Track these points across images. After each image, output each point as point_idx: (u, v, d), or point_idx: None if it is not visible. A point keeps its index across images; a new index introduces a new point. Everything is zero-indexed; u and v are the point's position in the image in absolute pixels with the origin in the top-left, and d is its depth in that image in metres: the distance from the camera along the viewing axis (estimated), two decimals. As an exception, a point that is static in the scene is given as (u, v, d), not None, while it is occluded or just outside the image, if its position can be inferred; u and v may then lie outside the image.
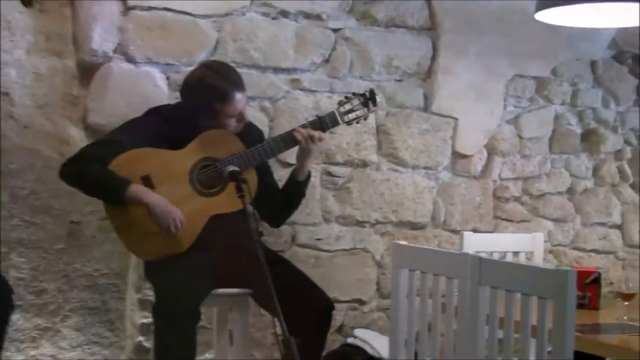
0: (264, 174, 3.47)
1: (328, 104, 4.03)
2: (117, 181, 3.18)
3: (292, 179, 3.53)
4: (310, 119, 3.80)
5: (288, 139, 3.39)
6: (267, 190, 3.46)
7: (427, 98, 4.26)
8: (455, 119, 4.31)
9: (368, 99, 3.50)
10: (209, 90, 3.28)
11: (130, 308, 3.81)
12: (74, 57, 3.70)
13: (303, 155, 3.45)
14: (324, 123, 3.42)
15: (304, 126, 3.43)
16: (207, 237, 3.29)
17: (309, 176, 3.54)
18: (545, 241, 4.38)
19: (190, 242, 3.27)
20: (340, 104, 3.48)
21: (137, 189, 3.18)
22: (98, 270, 3.78)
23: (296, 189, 3.54)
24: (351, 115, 3.48)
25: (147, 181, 3.24)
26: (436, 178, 4.32)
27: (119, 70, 3.70)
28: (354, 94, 3.51)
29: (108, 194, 3.23)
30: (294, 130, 3.41)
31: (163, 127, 3.33)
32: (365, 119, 3.53)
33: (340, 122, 3.44)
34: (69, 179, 3.30)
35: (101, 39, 3.65)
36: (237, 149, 3.30)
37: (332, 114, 3.44)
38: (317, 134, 3.40)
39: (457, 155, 4.34)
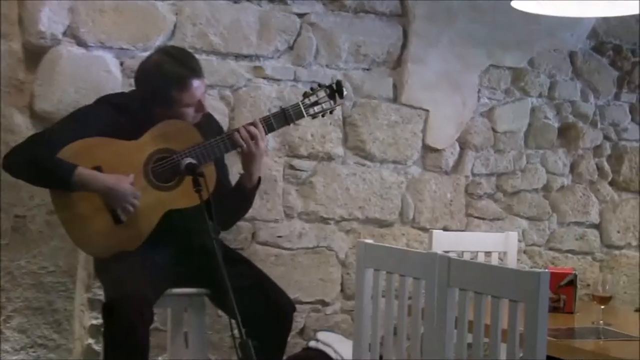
0: (219, 170, 3.45)
1: (292, 93, 4.03)
2: (64, 165, 3.16)
3: (239, 186, 3.48)
4: (273, 110, 3.80)
5: (234, 136, 3.36)
6: (218, 188, 3.42)
7: (397, 88, 4.27)
8: (426, 110, 4.32)
9: (335, 91, 3.49)
10: (165, 77, 3.26)
11: (79, 308, 3.79)
12: (20, 40, 3.66)
13: (246, 160, 3.40)
14: (288, 116, 3.41)
15: (266, 119, 3.41)
16: (162, 234, 3.28)
17: (258, 183, 3.47)
18: (520, 241, 4.42)
19: (143, 239, 3.26)
20: (305, 95, 3.47)
21: (86, 171, 3.16)
22: (44, 268, 3.76)
23: (243, 196, 3.49)
24: (316, 108, 3.48)
25: (98, 173, 3.23)
26: (405, 173, 4.34)
27: (69, 54, 3.67)
28: (319, 85, 3.51)
29: (54, 180, 3.19)
30: (235, 130, 3.38)
31: (116, 116, 3.30)
32: (331, 112, 3.53)
33: (305, 115, 3.44)
34: (13, 169, 3.26)
35: (49, 21, 3.62)
36: (195, 140, 3.29)
37: (296, 106, 3.44)
38: (258, 132, 3.34)
39: (427, 149, 4.36)
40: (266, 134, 3.40)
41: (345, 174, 4.21)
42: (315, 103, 3.47)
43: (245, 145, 3.32)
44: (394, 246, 3.74)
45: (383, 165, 4.28)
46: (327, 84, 3.51)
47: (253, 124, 3.37)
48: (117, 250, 3.24)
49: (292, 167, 4.12)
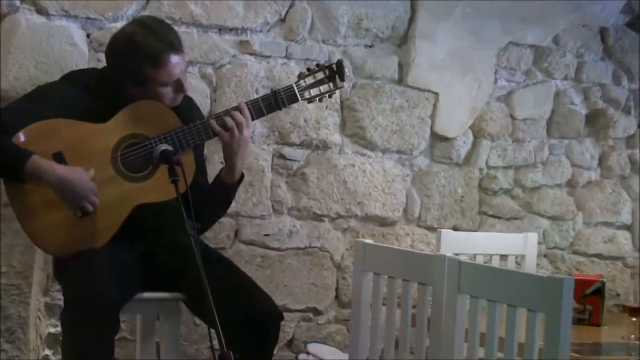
0: (197, 161, 3.41)
1: (283, 72, 4.02)
2: (16, 153, 3.13)
3: (219, 181, 3.43)
4: (262, 91, 3.79)
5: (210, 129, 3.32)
6: (194, 184, 3.36)
7: (403, 68, 4.28)
8: (435, 93, 4.33)
9: (335, 72, 3.46)
10: (137, 51, 3.24)
11: (34, 315, 3.78)
12: (-29, 5, 3.66)
13: (228, 150, 3.35)
14: (279, 99, 3.37)
15: (254, 102, 3.35)
16: (131, 230, 3.26)
17: (241, 178, 3.43)
18: (540, 243, 4.43)
19: (109, 235, 3.24)
20: (301, 76, 3.44)
21: (39, 162, 3.14)
22: (-4, 268, 3.75)
23: (222, 193, 3.44)
24: (313, 92, 3.45)
25: (58, 159, 3.20)
26: (411, 164, 4.34)
27: (27, 23, 3.65)
28: (317, 65, 3.48)
29: (4, 168, 3.18)
30: (217, 114, 3.33)
31: (84, 96, 3.28)
32: (330, 96, 3.50)
33: (299, 98, 3.42)
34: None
35: (5, -16, 3.64)
36: (172, 125, 3.27)
37: (289, 88, 3.40)
38: (243, 118, 3.29)
39: (436, 138, 4.37)
40: (253, 119, 3.35)
41: (342, 164, 4.21)
42: (312, 85, 3.44)
43: (228, 133, 3.30)
44: (396, 247, 3.74)
45: (386, 155, 4.29)
46: (326, 64, 3.49)
47: (238, 108, 3.34)
48: (79, 248, 3.21)
49: (282, 156, 4.12)
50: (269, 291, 3.45)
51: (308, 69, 3.45)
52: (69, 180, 3.13)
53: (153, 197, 3.24)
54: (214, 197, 3.42)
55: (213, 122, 3.29)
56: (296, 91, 3.38)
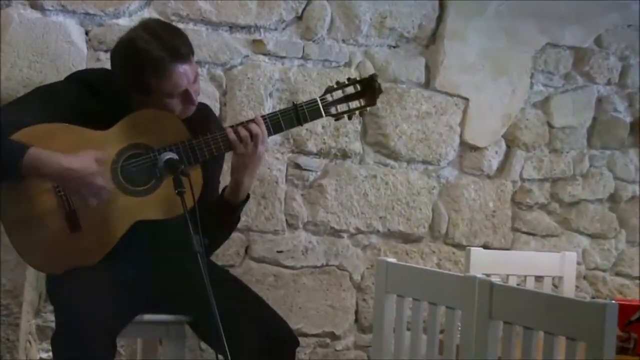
0: (210, 177, 3.37)
1: (299, 74, 4.02)
2: (14, 147, 3.09)
3: (221, 199, 3.38)
4: (276, 95, 3.78)
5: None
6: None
7: (430, 71, 4.27)
8: (465, 99, 4.32)
9: (367, 88, 3.43)
10: (139, 58, 3.22)
11: (25, 338, 3.76)
12: (-41, -1, 3.66)
13: (237, 164, 3.31)
14: (300, 114, 3.32)
15: (272, 116, 3.30)
16: (130, 246, 3.24)
17: (246, 199, 3.38)
18: (579, 263, 4.41)
19: (103, 253, 3.21)
20: (328, 90, 3.39)
21: (39, 151, 3.09)
22: (-17, 287, 3.74)
23: (227, 213, 3.39)
24: (340, 107, 3.40)
25: (54, 168, 3.20)
26: (438, 176, 4.33)
27: (21, 19, 3.65)
28: (348, 79, 3.43)
29: (2, 165, 3.15)
30: (231, 126, 3.28)
31: (86, 99, 3.27)
32: (360, 114, 3.46)
33: (324, 114, 3.38)
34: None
35: (-3, -24, 3.64)
36: (179, 136, 3.24)
37: (313, 102, 3.36)
38: (260, 131, 3.25)
39: (466, 147, 4.36)
40: (270, 135, 3.31)
41: (363, 175, 4.20)
42: (340, 101, 3.40)
43: (241, 144, 3.25)
44: (422, 267, 3.73)
45: (410, 165, 4.28)
46: (358, 78, 3.45)
47: (254, 121, 3.30)
48: (73, 265, 3.19)
49: (297, 166, 4.10)
50: (281, 313, 3.42)
51: (337, 83, 3.41)
52: (73, 167, 3.09)
53: (154, 214, 3.22)
54: (216, 219, 3.34)
55: (229, 130, 3.25)
56: (320, 106, 3.33)
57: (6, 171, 3.14)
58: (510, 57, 4.35)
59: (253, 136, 3.24)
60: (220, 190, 3.44)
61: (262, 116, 3.31)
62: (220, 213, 3.36)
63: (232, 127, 3.27)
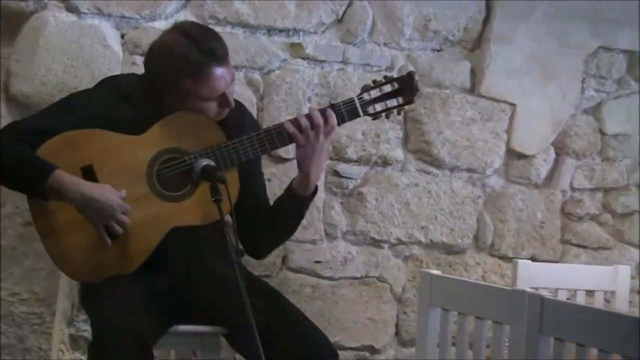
0: (249, 177, 3.42)
1: (339, 79, 4.04)
2: (40, 166, 3.16)
3: (289, 194, 3.42)
4: (315, 100, 3.80)
5: (285, 132, 3.31)
6: (249, 202, 3.40)
7: (475, 75, 4.28)
8: (513, 104, 4.31)
9: (405, 86, 3.45)
10: (176, 63, 3.24)
11: (57, 347, 3.80)
12: (-5, 1, 3.72)
13: (304, 157, 3.34)
14: (337, 114, 3.35)
15: (308, 114, 3.33)
16: (166, 255, 3.28)
17: (315, 191, 3.42)
18: (633, 277, 4.35)
19: (140, 261, 3.24)
20: (365, 89, 3.43)
21: (63, 177, 3.18)
22: (15, 295, 3.77)
23: (294, 208, 3.43)
24: (378, 106, 3.41)
25: (88, 173, 3.24)
26: (483, 185, 4.34)
27: (56, 22, 3.69)
28: (385, 77, 3.46)
29: (26, 184, 3.21)
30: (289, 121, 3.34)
31: (119, 105, 3.31)
32: (398, 113, 3.48)
33: (361, 114, 3.40)
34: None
35: (32, -22, 3.69)
36: (215, 139, 3.28)
37: (350, 102, 3.38)
38: (319, 119, 3.29)
39: (513, 155, 4.35)
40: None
41: (404, 184, 4.21)
42: (377, 99, 3.42)
43: (302, 136, 3.28)
44: (469, 280, 3.71)
45: (454, 174, 4.29)
46: (395, 76, 3.47)
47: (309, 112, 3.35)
48: (107, 274, 3.23)
49: (336, 173, 4.12)
50: (319, 326, 3.41)
51: (374, 81, 3.42)
52: (94, 198, 3.15)
53: (191, 220, 3.25)
54: (283, 213, 3.42)
55: (288, 124, 3.29)
56: (357, 105, 3.36)
57: (30, 191, 3.21)
58: (560, 61, 4.33)
59: (314, 126, 3.28)
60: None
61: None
62: (290, 208, 3.41)
63: (290, 120, 3.31)
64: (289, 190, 3.40)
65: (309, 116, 3.30)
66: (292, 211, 3.43)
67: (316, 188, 3.40)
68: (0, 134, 3.25)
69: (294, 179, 3.39)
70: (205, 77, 3.23)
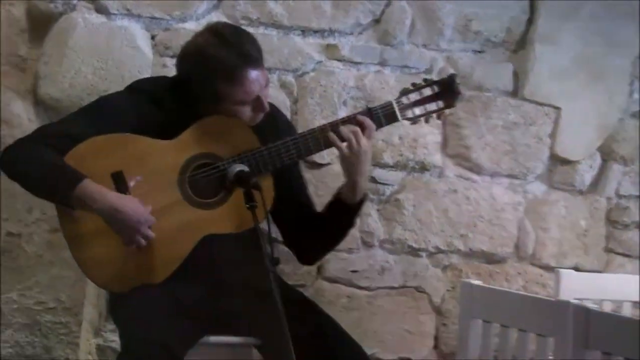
0: (292, 183, 3.44)
1: (376, 81, 4.04)
2: (67, 176, 3.16)
3: (338, 201, 3.42)
4: (351, 103, 3.81)
5: (320, 137, 3.32)
6: (295, 208, 3.44)
7: (518, 78, 4.27)
8: (557, 108, 4.30)
9: (446, 89, 3.45)
10: (209, 65, 3.25)
11: (85, 358, 3.80)
12: (24, 4, 3.72)
13: (349, 165, 3.34)
14: (374, 118, 3.34)
15: (343, 121, 3.36)
16: (198, 263, 3.28)
17: (364, 198, 3.43)
18: (681, 288, 4.36)
19: (171, 269, 3.25)
20: (404, 92, 3.43)
21: (90, 187, 3.18)
22: (42, 304, 3.80)
23: (342, 215, 3.43)
24: (417, 110, 3.42)
25: (118, 180, 3.24)
26: (524, 191, 4.32)
27: (85, 23, 3.72)
28: (425, 80, 3.46)
29: (53, 192, 3.22)
30: (328, 126, 3.34)
31: (149, 109, 3.31)
32: (438, 117, 3.48)
33: (399, 118, 3.40)
34: (11, 168, 3.30)
35: (61, -22, 3.71)
36: (249, 145, 3.29)
37: (388, 105, 3.38)
38: (357, 127, 3.29)
39: (556, 160, 4.34)
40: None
41: (443, 190, 4.21)
42: (416, 103, 3.41)
43: (345, 145, 3.28)
44: (512, 290, 3.70)
45: (495, 180, 4.27)
46: (435, 79, 3.47)
47: (352, 118, 3.34)
48: (136, 283, 3.24)
49: (372, 179, 4.10)
50: (355, 337, 3.41)
51: (413, 84, 3.42)
52: (121, 211, 3.15)
53: (224, 228, 3.26)
54: (332, 221, 3.43)
55: (332, 135, 3.29)
56: (396, 109, 3.36)
57: (57, 200, 3.22)
58: (607, 63, 4.31)
59: (354, 133, 3.28)
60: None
61: (340, 119, 3.35)
62: (338, 216, 3.42)
63: (330, 126, 3.31)
64: (337, 198, 3.41)
65: (347, 123, 3.31)
66: (341, 220, 3.44)
67: (365, 194, 3.41)
68: (28, 139, 3.27)
69: (341, 186, 3.40)
70: (239, 80, 3.23)
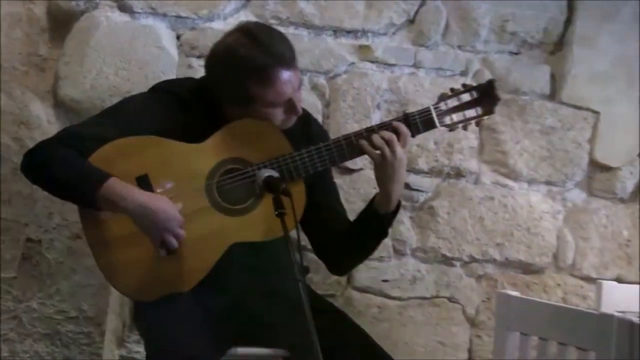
0: (321, 189, 3.44)
1: (410, 84, 4.03)
2: (93, 175, 3.15)
3: (371, 209, 3.41)
4: (385, 106, 3.79)
5: (355, 144, 3.30)
6: (325, 215, 3.44)
7: (556, 80, 4.25)
8: (596, 112, 4.28)
9: (485, 96, 3.42)
10: (240, 66, 3.24)
11: (108, 369, 3.83)
12: (44, 1, 3.73)
13: (384, 175, 3.32)
14: (412, 124, 3.32)
15: (380, 127, 3.33)
16: (226, 272, 3.27)
17: (398, 207, 3.41)
18: None
19: (198, 278, 3.24)
20: (442, 98, 3.41)
21: (117, 185, 3.16)
22: (63, 312, 3.81)
23: (377, 225, 3.41)
24: (456, 117, 3.39)
25: (143, 183, 3.24)
26: (563, 199, 4.30)
27: (108, 22, 3.73)
28: (464, 85, 3.43)
29: (78, 193, 3.20)
30: (361, 132, 3.32)
31: (175, 111, 3.30)
32: (477, 124, 3.45)
33: (438, 125, 3.39)
34: (31, 172, 3.30)
35: (83, -24, 3.72)
36: (281, 149, 3.28)
37: (426, 112, 3.35)
38: (391, 135, 3.26)
39: (596, 167, 4.32)
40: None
41: (478, 197, 4.20)
42: (455, 109, 3.40)
43: (378, 153, 3.27)
44: (551, 302, 3.68)
45: (532, 187, 4.26)
46: (474, 84, 3.44)
47: (387, 125, 3.32)
48: (163, 292, 3.23)
49: (406, 185, 4.05)
50: (387, 349, 3.40)
51: (452, 90, 3.39)
52: (151, 208, 3.14)
53: (253, 235, 3.24)
54: (365, 230, 3.41)
55: (364, 143, 3.28)
56: (434, 115, 3.33)
57: (82, 202, 3.22)
58: (649, 66, 4.29)
59: (387, 142, 3.26)
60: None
61: (377, 125, 3.32)
62: (371, 225, 3.40)
63: (369, 129, 3.30)
64: (371, 207, 3.40)
65: (382, 131, 3.29)
66: (374, 229, 3.42)
67: (399, 202, 3.39)
68: (50, 141, 3.26)
69: (376, 195, 3.38)
70: (271, 81, 3.22)
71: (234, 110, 3.29)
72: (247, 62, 3.21)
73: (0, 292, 3.75)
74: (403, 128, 3.28)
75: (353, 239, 3.42)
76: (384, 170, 3.28)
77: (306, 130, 3.45)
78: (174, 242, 3.16)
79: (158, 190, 3.19)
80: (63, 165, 3.18)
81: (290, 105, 3.27)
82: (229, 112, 3.30)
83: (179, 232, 3.16)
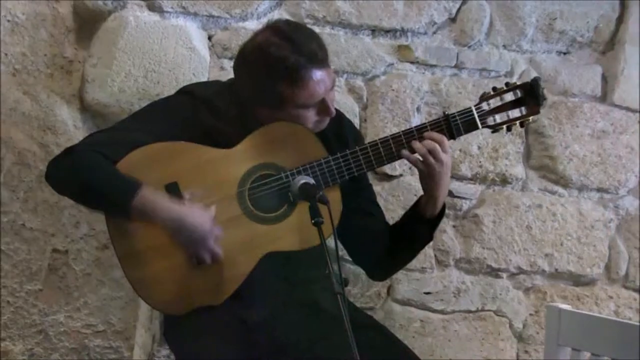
0: (358, 194, 3.44)
1: (452, 86, 4.03)
2: (125, 183, 3.18)
3: (414, 214, 3.45)
4: (425, 109, 3.78)
5: (394, 147, 3.31)
6: (362, 220, 3.45)
7: (607, 82, 4.24)
8: (651, 115, 4.26)
9: (529, 95, 3.42)
10: (271, 66, 3.25)
11: (137, 386, 3.85)
12: (69, 1, 3.74)
13: (430, 181, 3.36)
14: (452, 126, 3.34)
15: (420, 130, 3.34)
16: (259, 284, 3.28)
17: (442, 211, 3.44)
18: None
19: (231, 290, 3.26)
20: (484, 98, 3.41)
21: (151, 195, 3.18)
22: (90, 326, 3.82)
23: (418, 230, 3.45)
24: (499, 117, 3.41)
25: (172, 191, 3.24)
26: (616, 207, 4.29)
27: (137, 22, 3.73)
28: (507, 84, 3.44)
29: (109, 203, 3.23)
30: (399, 135, 3.33)
31: (204, 115, 3.32)
32: (521, 125, 3.45)
33: (480, 126, 3.39)
34: (57, 182, 3.32)
35: (111, -26, 3.73)
36: (315, 154, 3.29)
37: (467, 112, 3.37)
38: (433, 143, 3.29)
39: (650, 173, 4.28)
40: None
41: (526, 205, 4.18)
42: (497, 110, 3.39)
43: (422, 162, 3.30)
44: (603, 316, 3.66)
45: (583, 194, 4.25)
46: (518, 83, 3.44)
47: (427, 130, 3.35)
48: (195, 305, 3.25)
49: (448, 192, 4.06)
50: (430, 365, 3.45)
51: (494, 89, 3.40)
52: (187, 221, 3.16)
53: (288, 245, 3.25)
54: (408, 233, 3.45)
55: (406, 152, 3.30)
56: (476, 116, 3.34)
57: (113, 211, 3.23)
58: None
59: (430, 150, 3.29)
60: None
61: (416, 127, 3.34)
62: (415, 229, 3.44)
63: (408, 132, 3.31)
64: (416, 210, 3.43)
65: (422, 131, 3.31)
66: (420, 233, 3.46)
67: (444, 205, 3.42)
68: (78, 148, 3.27)
69: (420, 198, 3.41)
70: (303, 81, 3.23)
71: (264, 113, 3.30)
72: (277, 61, 3.22)
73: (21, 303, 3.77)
74: (439, 136, 3.30)
75: (397, 244, 3.46)
76: (430, 177, 3.32)
77: (340, 132, 3.46)
78: (207, 258, 3.19)
79: (187, 198, 3.19)
80: (93, 173, 3.20)
81: (323, 107, 3.28)
82: (259, 114, 3.31)
83: (215, 250, 3.19)
